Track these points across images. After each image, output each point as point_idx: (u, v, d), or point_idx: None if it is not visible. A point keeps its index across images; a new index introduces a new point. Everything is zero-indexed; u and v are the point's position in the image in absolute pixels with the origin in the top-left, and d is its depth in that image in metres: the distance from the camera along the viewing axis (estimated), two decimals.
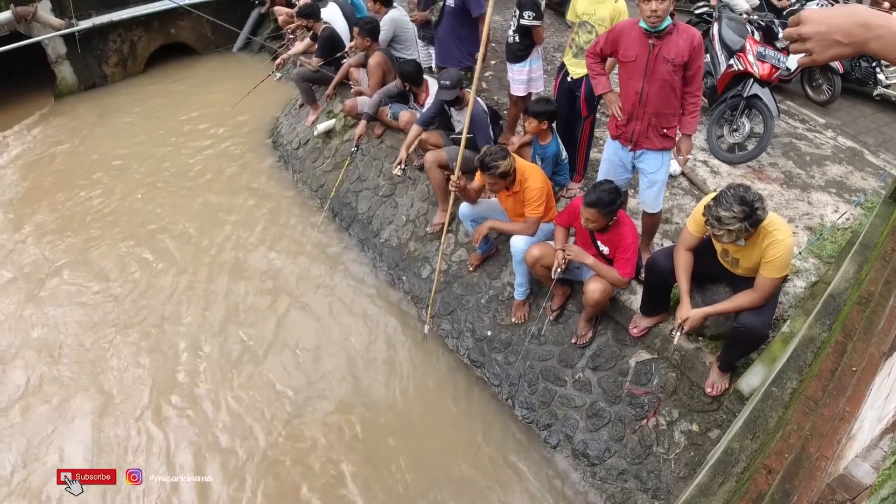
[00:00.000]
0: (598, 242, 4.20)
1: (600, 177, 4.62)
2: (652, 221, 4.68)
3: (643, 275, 4.28)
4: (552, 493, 4.30)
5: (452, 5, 5.93)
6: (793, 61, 6.47)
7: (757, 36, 6.26)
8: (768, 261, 3.39)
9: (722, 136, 6.32)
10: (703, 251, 3.81)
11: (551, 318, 4.87)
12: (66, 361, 5.29)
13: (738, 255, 3.59)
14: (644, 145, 4.23)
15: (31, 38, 9.80)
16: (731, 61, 6.34)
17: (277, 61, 8.28)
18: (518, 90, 5.94)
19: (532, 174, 4.51)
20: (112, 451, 4.58)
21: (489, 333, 5.20)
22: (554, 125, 5.08)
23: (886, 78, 7.43)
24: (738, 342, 3.72)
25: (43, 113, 10.06)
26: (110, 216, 7.22)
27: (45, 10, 9.83)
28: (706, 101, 6.61)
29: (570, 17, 5.20)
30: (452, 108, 5.53)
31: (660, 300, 4.27)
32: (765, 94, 5.93)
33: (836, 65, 7.07)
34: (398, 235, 6.27)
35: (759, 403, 3.28)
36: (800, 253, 4.80)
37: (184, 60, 11.90)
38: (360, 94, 6.98)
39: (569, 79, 5.24)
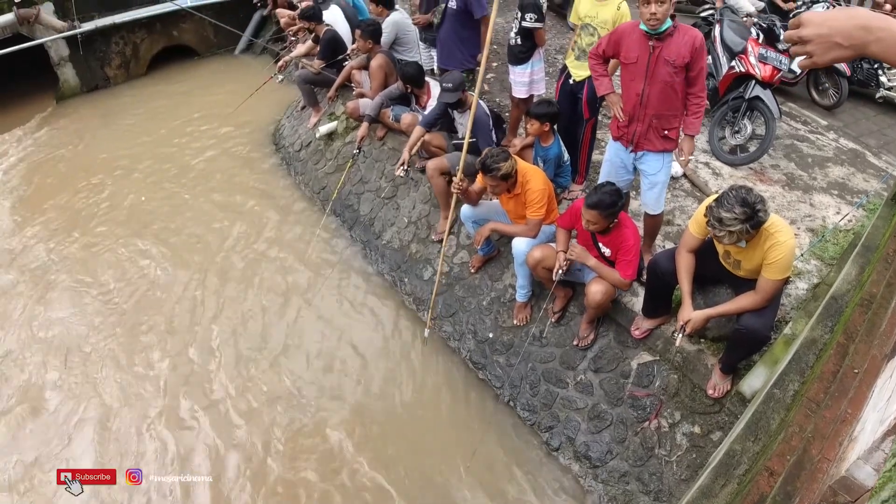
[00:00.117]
0: (600, 244, 4.20)
1: (602, 178, 4.63)
2: (654, 223, 4.68)
3: (645, 276, 4.28)
4: (554, 495, 4.30)
5: (454, 7, 5.93)
6: (797, 64, 6.47)
7: (758, 38, 6.26)
8: (770, 262, 3.38)
9: (724, 137, 6.32)
10: (704, 253, 3.80)
11: (553, 320, 4.87)
12: (71, 364, 5.29)
13: (740, 257, 3.59)
14: (645, 147, 4.24)
15: (33, 40, 9.83)
16: (733, 63, 6.34)
17: (279, 63, 8.30)
18: (520, 92, 5.94)
19: (533, 176, 4.51)
20: (116, 453, 4.58)
21: (491, 335, 5.20)
22: (555, 127, 5.08)
23: (889, 80, 7.43)
24: (740, 344, 3.71)
25: (45, 115, 10.09)
26: (114, 218, 7.23)
27: (47, 13, 9.86)
28: (707, 102, 6.60)
29: (572, 19, 5.20)
30: (455, 111, 5.53)
31: (661, 302, 4.27)
32: (766, 95, 5.92)
33: (843, 67, 7.05)
34: (400, 237, 6.27)
35: (761, 405, 3.27)
36: (802, 255, 4.80)
37: (186, 63, 11.93)
38: (361, 96, 6.99)
39: (571, 81, 5.25)
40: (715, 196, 3.40)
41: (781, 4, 7.88)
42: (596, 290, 4.18)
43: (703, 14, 8.01)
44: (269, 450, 4.58)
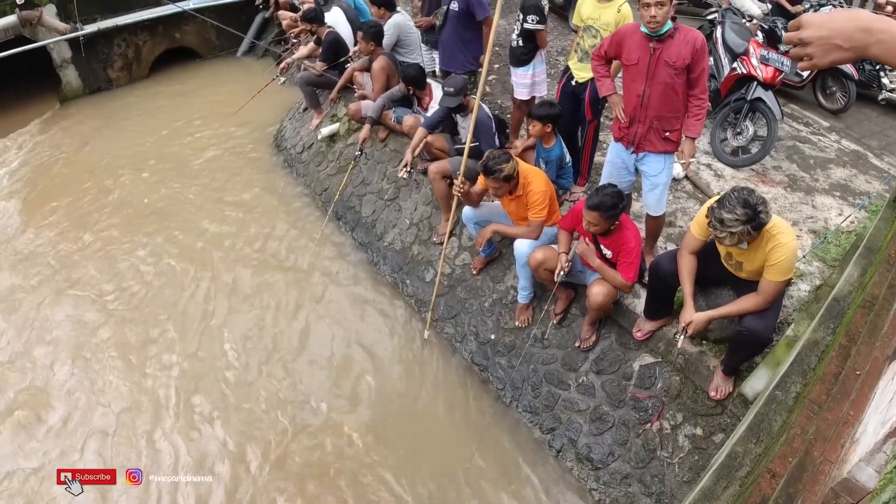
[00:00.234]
0: (601, 246, 4.20)
1: (604, 179, 4.63)
2: (655, 224, 4.68)
3: (647, 278, 4.28)
4: (556, 497, 4.30)
5: (456, 9, 5.93)
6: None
7: (760, 39, 6.26)
8: (772, 264, 3.38)
9: (725, 139, 6.32)
10: (706, 255, 3.80)
11: (555, 321, 4.87)
12: (77, 367, 5.29)
13: (742, 259, 3.59)
14: (646, 148, 4.24)
15: (36, 42, 9.85)
16: (735, 64, 6.34)
17: (281, 65, 8.32)
18: (521, 94, 5.94)
19: (535, 178, 4.51)
20: (121, 455, 4.58)
21: (493, 337, 5.20)
22: (557, 128, 5.09)
23: (891, 82, 7.42)
24: (742, 346, 3.71)
25: (48, 117, 10.11)
26: (117, 221, 7.24)
27: (50, 15, 9.88)
28: (709, 104, 6.59)
29: (574, 21, 5.20)
30: (458, 115, 5.54)
31: (663, 304, 4.26)
32: (768, 97, 5.92)
33: (851, 70, 7.02)
34: (402, 239, 6.28)
35: (763, 407, 3.27)
36: (804, 256, 4.79)
37: (188, 65, 11.94)
38: (363, 98, 7.00)
39: (573, 83, 5.25)
40: (717, 197, 3.40)
41: (788, 7, 7.87)
42: (597, 292, 4.18)
43: (709, 17, 8.01)
44: (271, 451, 4.59)
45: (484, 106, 5.34)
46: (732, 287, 4.00)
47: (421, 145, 5.61)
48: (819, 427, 2.55)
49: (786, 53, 5.96)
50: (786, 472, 2.42)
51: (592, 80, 4.74)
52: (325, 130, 7.57)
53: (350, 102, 7.18)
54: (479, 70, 5.14)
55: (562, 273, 4.23)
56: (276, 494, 4.31)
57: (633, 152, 4.32)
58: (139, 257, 6.58)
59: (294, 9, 9.81)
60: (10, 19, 9.52)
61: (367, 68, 7.00)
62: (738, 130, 6.18)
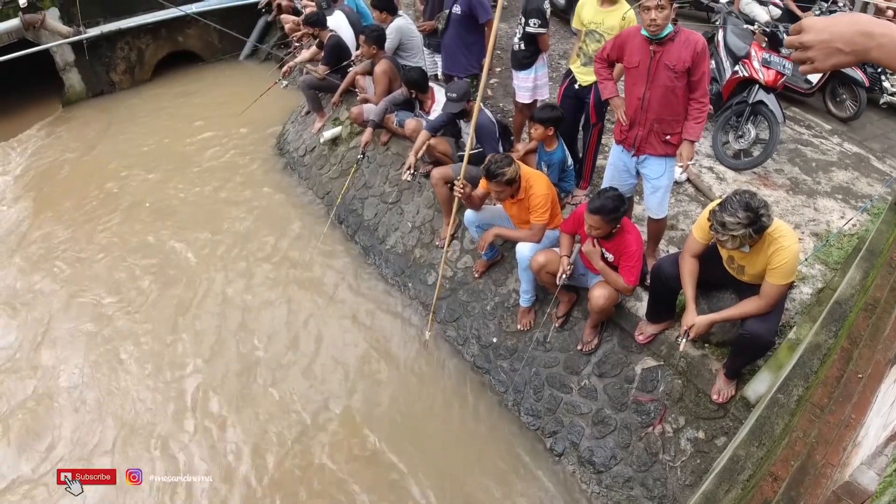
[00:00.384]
0: (603, 250, 4.20)
1: (605, 182, 4.64)
2: (657, 227, 4.68)
3: (649, 281, 4.28)
4: (558, 500, 4.29)
5: (459, 13, 5.94)
6: (814, 74, 6.43)
7: (762, 42, 6.26)
8: (774, 267, 3.38)
9: (727, 142, 6.32)
10: (708, 258, 3.80)
11: (557, 324, 4.87)
12: (82, 372, 5.28)
13: (744, 262, 3.59)
14: (647, 151, 4.25)
15: (39, 45, 9.87)
16: (737, 68, 6.34)
17: (284, 69, 8.32)
18: (523, 97, 5.95)
19: (537, 181, 4.51)
20: (126, 456, 4.58)
21: (495, 340, 5.20)
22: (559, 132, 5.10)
23: (892, 85, 7.41)
24: (744, 349, 3.71)
25: (51, 120, 10.13)
26: (121, 224, 7.25)
27: (53, 18, 9.90)
28: (711, 107, 6.60)
29: (575, 24, 5.19)
30: (461, 120, 5.54)
31: (665, 307, 4.27)
32: (770, 100, 5.92)
33: (862, 77, 6.99)
34: (404, 242, 6.28)
35: (765, 410, 3.27)
36: (806, 259, 4.79)
37: (191, 68, 11.96)
38: (365, 101, 7.01)
39: (576, 86, 5.24)
40: (718, 201, 3.40)
41: (798, 13, 7.85)
42: (599, 295, 4.18)
43: (716, 22, 8.00)
44: (274, 456, 4.59)
45: (487, 111, 5.35)
46: (734, 290, 3.99)
47: (424, 148, 5.61)
48: (821, 430, 2.55)
49: (788, 57, 5.96)
50: (788, 476, 2.42)
51: (596, 83, 4.75)
52: (328, 134, 7.58)
53: (352, 106, 7.19)
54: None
55: (564, 276, 4.24)
56: (279, 496, 4.32)
57: (633, 155, 4.34)
58: (143, 261, 6.58)
59: (296, 12, 9.82)
60: (14, 22, 9.55)
61: (369, 72, 7.01)
62: (740, 133, 6.18)
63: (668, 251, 4.97)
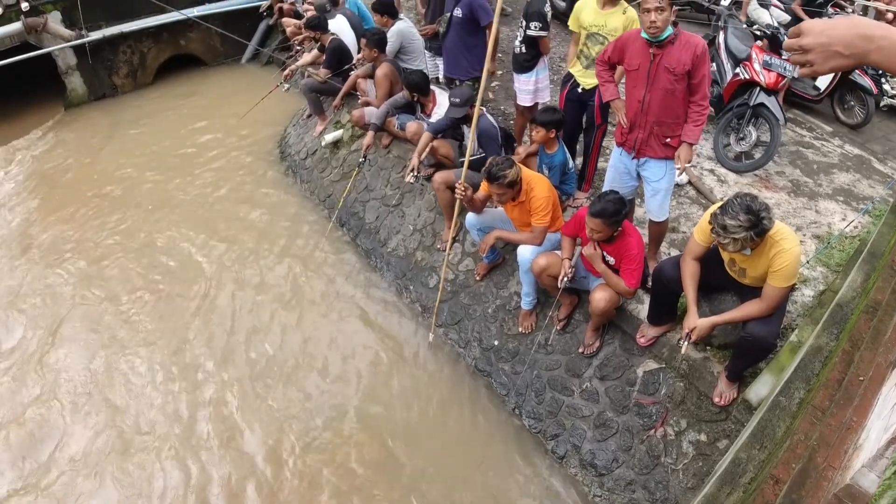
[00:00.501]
0: (604, 253, 4.20)
1: (606, 184, 4.65)
2: (658, 230, 4.68)
3: (650, 284, 4.28)
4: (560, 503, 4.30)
5: (460, 16, 5.95)
6: (822, 79, 6.45)
7: (763, 45, 6.26)
8: (776, 270, 3.38)
9: (728, 144, 6.32)
10: (710, 261, 3.80)
11: (558, 327, 4.87)
12: (86, 381, 5.27)
13: (746, 265, 3.59)
14: (647, 153, 4.26)
15: (41, 48, 9.89)
16: (737, 70, 6.34)
17: (285, 72, 8.33)
18: (524, 100, 5.95)
19: (538, 184, 4.52)
20: (127, 461, 4.58)
21: (496, 343, 5.20)
22: (560, 134, 5.09)
23: (892, 88, 7.41)
24: (746, 352, 3.71)
25: (53, 123, 10.16)
26: (122, 230, 7.25)
27: (55, 22, 9.93)
28: (712, 109, 6.60)
29: (572, 27, 5.13)
30: (465, 126, 5.55)
31: (667, 309, 4.27)
32: (771, 102, 5.92)
33: (870, 84, 6.97)
34: (405, 245, 6.28)
35: (767, 413, 3.27)
36: (807, 262, 4.79)
37: (193, 72, 11.98)
38: (367, 104, 7.01)
39: (579, 90, 5.22)
40: (720, 204, 3.40)
41: (806, 18, 7.84)
42: (600, 298, 4.18)
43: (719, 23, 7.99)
44: (281, 460, 4.59)
45: (489, 116, 5.36)
46: (736, 293, 4.00)
47: (427, 149, 5.62)
48: (822, 433, 2.55)
49: (788, 59, 5.95)
50: (789, 479, 2.42)
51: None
52: (329, 137, 7.59)
53: (353, 109, 7.20)
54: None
55: (565, 279, 4.24)
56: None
57: (634, 158, 4.34)
58: (147, 265, 6.58)
59: (298, 16, 9.85)
60: (16, 26, 9.57)
61: (370, 75, 7.02)
62: (741, 136, 6.18)
63: (669, 254, 4.97)
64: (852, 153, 6.70)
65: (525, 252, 4.61)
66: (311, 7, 8.21)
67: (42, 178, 8.55)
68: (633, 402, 4.35)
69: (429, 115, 6.04)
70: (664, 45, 3.90)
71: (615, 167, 4.56)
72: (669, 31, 3.87)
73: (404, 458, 4.60)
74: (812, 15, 7.85)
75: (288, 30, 9.86)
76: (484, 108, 5.29)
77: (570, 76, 5.30)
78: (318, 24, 7.50)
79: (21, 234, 7.31)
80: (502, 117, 7.06)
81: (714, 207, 3.45)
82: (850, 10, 7.83)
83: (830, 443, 2.44)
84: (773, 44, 6.23)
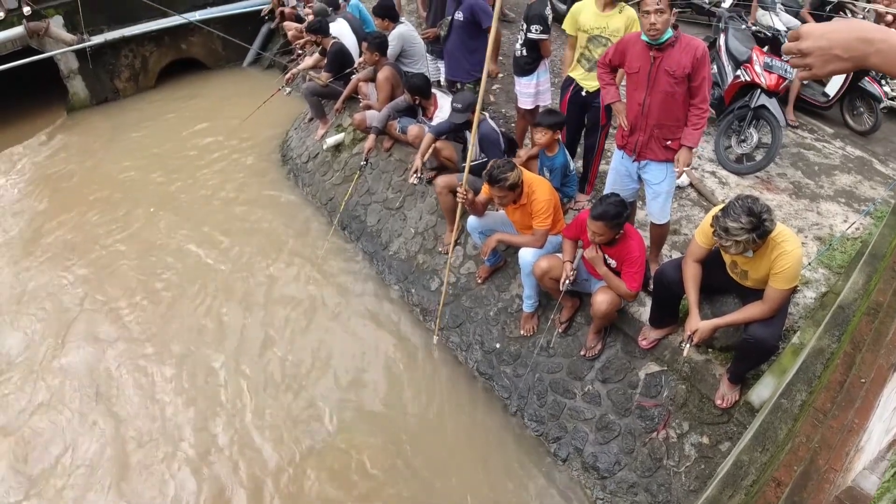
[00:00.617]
0: (606, 256, 4.20)
1: (608, 186, 4.65)
2: (660, 232, 4.68)
3: (652, 286, 4.28)
4: None
5: (461, 19, 5.97)
6: (832, 86, 6.45)
7: (763, 47, 6.27)
8: (777, 272, 3.38)
9: (730, 146, 6.32)
10: (711, 263, 3.80)
11: (560, 330, 4.87)
12: (91, 388, 5.24)
13: (747, 267, 3.59)
14: (647, 156, 4.26)
15: (43, 53, 9.93)
16: (738, 72, 6.35)
17: (287, 76, 8.36)
18: (526, 103, 5.96)
19: (539, 186, 4.52)
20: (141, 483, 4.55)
21: (498, 346, 5.20)
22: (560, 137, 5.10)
23: (892, 90, 7.40)
24: (748, 354, 3.70)
25: (55, 127, 10.20)
26: (126, 234, 7.25)
27: (57, 26, 9.98)
28: (713, 112, 6.61)
29: (568, 29, 5.10)
30: (467, 131, 5.56)
31: (669, 312, 4.26)
32: (772, 104, 5.92)
33: (879, 92, 6.96)
34: (407, 248, 6.29)
35: (769, 415, 3.27)
36: (809, 264, 4.79)
37: (195, 75, 12.02)
38: (368, 108, 7.02)
39: (583, 93, 5.21)
40: (721, 206, 3.40)
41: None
42: (601, 300, 4.18)
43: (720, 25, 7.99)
44: (286, 466, 4.58)
45: (491, 122, 5.37)
46: (738, 295, 4.00)
47: (430, 151, 5.63)
48: (824, 435, 2.55)
49: (788, 61, 5.94)
50: (791, 481, 2.42)
51: None
52: (331, 140, 7.61)
53: (355, 112, 7.21)
54: (487, 78, 5.12)
55: (567, 282, 4.24)
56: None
57: (635, 160, 4.35)
58: (149, 275, 6.56)
59: (299, 20, 9.88)
60: (18, 30, 9.61)
61: (371, 79, 7.03)
62: (743, 138, 6.18)
63: (670, 256, 4.97)
64: (853, 155, 6.70)
65: (526, 255, 4.61)
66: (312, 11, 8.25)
67: (45, 182, 8.57)
68: (636, 405, 4.34)
69: (430, 119, 6.05)
70: (664, 47, 3.90)
71: (616, 170, 4.56)
72: (670, 33, 3.87)
73: (406, 462, 4.58)
74: (820, 20, 7.85)
75: (289, 34, 9.89)
76: (486, 114, 5.30)
77: (569, 81, 5.28)
78: (319, 28, 7.52)
79: (25, 239, 7.32)
80: (503, 120, 7.07)
81: (715, 210, 3.45)
82: (860, 15, 7.82)
83: (832, 445, 2.45)
84: (774, 46, 6.23)
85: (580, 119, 5.39)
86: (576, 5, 5.00)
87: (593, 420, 4.49)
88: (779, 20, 7.27)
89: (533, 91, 5.86)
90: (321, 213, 7.45)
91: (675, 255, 4.98)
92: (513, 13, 9.63)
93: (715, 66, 6.64)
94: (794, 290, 3.65)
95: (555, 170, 5.12)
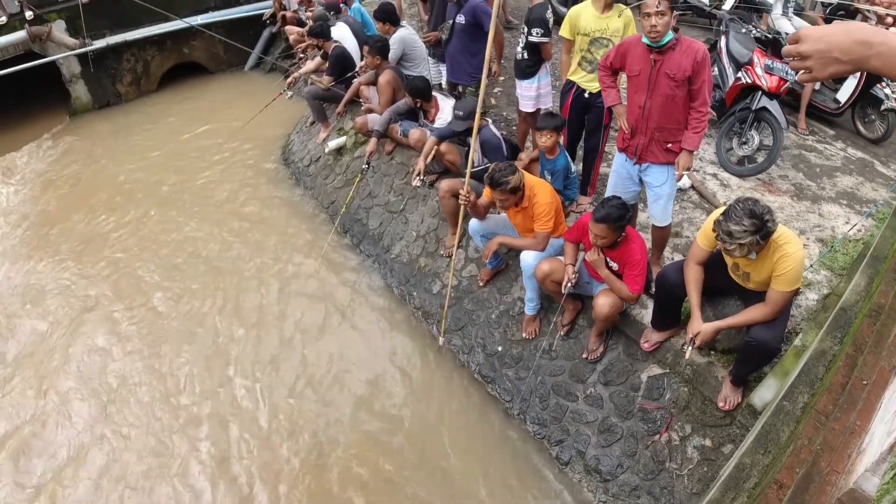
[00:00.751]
0: (607, 258, 4.20)
1: (609, 189, 4.65)
2: (661, 235, 4.68)
3: (654, 289, 4.28)
4: None
5: (463, 22, 5.98)
6: (843, 92, 6.45)
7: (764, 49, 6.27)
8: (779, 274, 3.37)
9: (731, 148, 6.32)
10: (713, 265, 3.80)
11: (562, 333, 4.87)
12: (97, 394, 5.25)
13: (749, 269, 3.58)
14: (648, 159, 4.26)
15: (45, 57, 9.96)
16: (739, 74, 6.35)
17: (289, 80, 8.37)
18: (527, 106, 5.96)
19: (541, 189, 4.53)
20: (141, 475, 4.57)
21: (500, 349, 5.20)
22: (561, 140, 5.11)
23: (893, 91, 7.39)
24: (750, 356, 3.70)
25: (57, 131, 10.24)
26: (128, 238, 7.27)
27: (59, 30, 10.02)
28: (715, 114, 6.60)
29: (565, 34, 5.04)
30: (469, 138, 5.57)
31: (671, 314, 4.26)
32: (773, 106, 5.92)
33: (893, 102, 6.94)
34: (409, 251, 6.29)
35: (771, 418, 3.26)
36: (811, 265, 4.78)
37: (196, 79, 12.06)
38: (370, 111, 7.04)
39: (586, 95, 5.20)
40: (722, 209, 3.40)
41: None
42: (603, 303, 4.19)
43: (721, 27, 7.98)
44: (289, 472, 4.59)
45: (492, 127, 5.37)
46: (740, 297, 3.99)
47: (433, 153, 5.64)
48: (826, 437, 2.55)
49: (789, 63, 5.94)
50: (793, 483, 2.42)
51: None
52: (332, 144, 7.62)
53: (356, 116, 7.23)
54: (488, 80, 5.12)
55: (569, 285, 4.24)
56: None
57: (636, 163, 4.35)
58: (152, 275, 6.59)
59: (301, 24, 9.91)
60: (20, 35, 9.66)
61: (373, 82, 7.04)
62: (744, 140, 6.18)
63: (672, 258, 4.97)
64: (855, 156, 6.69)
65: (528, 258, 4.61)
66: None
67: (48, 186, 8.59)
68: (638, 408, 4.34)
69: (431, 122, 6.06)
70: (665, 50, 3.91)
71: (617, 173, 4.56)
72: (670, 36, 3.88)
73: (407, 465, 4.59)
74: (829, 22, 7.83)
75: (291, 37, 9.92)
76: (489, 120, 5.29)
77: (569, 85, 5.26)
78: (320, 32, 7.54)
79: (28, 242, 7.34)
80: (505, 123, 7.08)
81: (717, 212, 3.45)
82: (873, 21, 7.80)
83: (834, 447, 2.44)
84: (775, 48, 6.23)
85: (580, 122, 5.39)
86: (572, 10, 4.99)
87: (595, 423, 4.48)
88: (791, 25, 7.26)
89: (534, 94, 5.86)
90: (323, 217, 7.46)
91: (677, 257, 4.98)
92: (516, 20, 9.63)
93: (716, 69, 6.64)
94: (796, 293, 3.64)
95: (556, 172, 5.13)
